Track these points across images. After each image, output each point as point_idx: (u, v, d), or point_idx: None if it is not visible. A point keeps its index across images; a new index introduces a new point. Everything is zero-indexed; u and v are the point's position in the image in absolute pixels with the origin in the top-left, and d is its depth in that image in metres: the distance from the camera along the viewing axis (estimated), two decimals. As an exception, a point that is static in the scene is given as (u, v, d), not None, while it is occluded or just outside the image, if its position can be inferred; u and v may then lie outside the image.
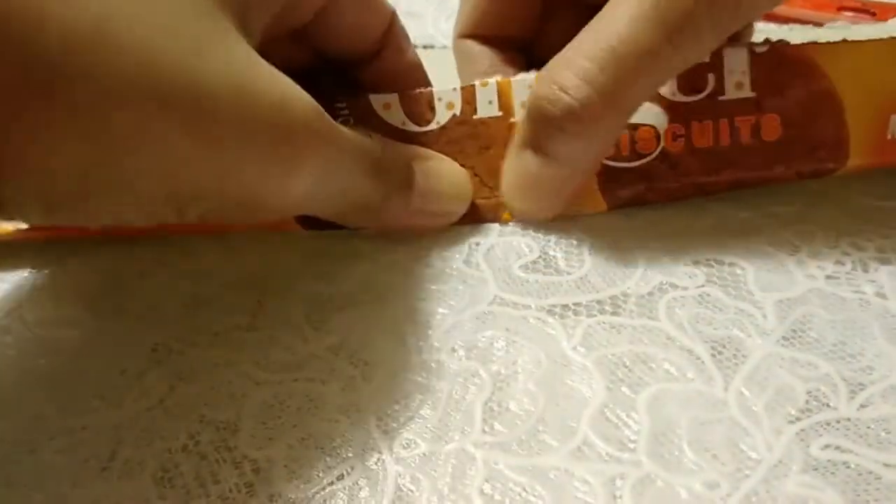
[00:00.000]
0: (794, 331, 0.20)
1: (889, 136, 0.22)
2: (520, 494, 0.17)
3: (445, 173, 0.23)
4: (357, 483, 0.17)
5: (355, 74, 0.24)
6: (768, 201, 0.24)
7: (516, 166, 0.22)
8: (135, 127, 0.15)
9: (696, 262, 0.22)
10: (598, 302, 0.21)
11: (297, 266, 0.23)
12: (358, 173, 0.20)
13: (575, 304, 0.21)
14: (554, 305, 0.21)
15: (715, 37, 0.20)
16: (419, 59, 0.24)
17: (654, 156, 0.23)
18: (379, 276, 0.23)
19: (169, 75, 0.15)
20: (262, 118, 0.16)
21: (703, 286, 0.21)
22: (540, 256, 0.23)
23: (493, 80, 0.23)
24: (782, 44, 0.23)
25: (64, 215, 0.16)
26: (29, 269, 0.24)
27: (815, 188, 0.24)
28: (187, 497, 0.17)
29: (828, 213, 0.24)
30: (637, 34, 0.19)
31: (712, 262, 0.22)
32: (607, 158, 0.23)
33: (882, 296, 0.21)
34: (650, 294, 0.21)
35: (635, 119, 0.22)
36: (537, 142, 0.21)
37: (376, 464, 0.18)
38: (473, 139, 0.23)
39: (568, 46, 0.20)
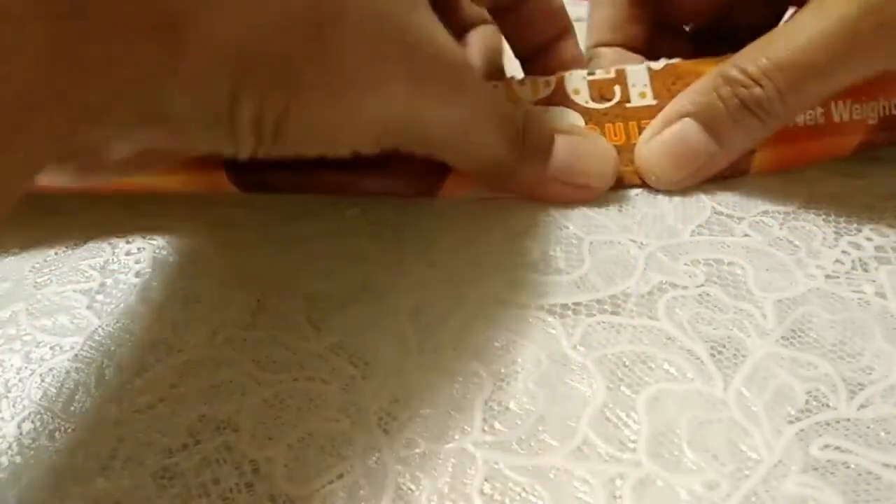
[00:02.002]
0: (793, 331, 0.20)
1: (794, 125, 0.25)
2: (520, 494, 0.17)
3: (590, 149, 0.24)
4: (357, 482, 0.17)
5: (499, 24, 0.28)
6: (767, 201, 0.24)
7: (677, 135, 0.24)
8: (372, 66, 0.18)
9: (695, 262, 0.22)
10: (598, 301, 0.21)
11: (298, 265, 0.23)
12: (492, 129, 0.22)
13: (574, 304, 0.21)
14: (554, 305, 0.21)
15: (883, 60, 0.22)
16: (562, 4, 0.28)
17: None
18: (379, 275, 0.23)
19: (395, 23, 0.19)
20: (443, 63, 0.20)
21: (702, 286, 0.21)
22: (540, 256, 0.23)
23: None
24: (676, 62, 0.26)
25: (286, 144, 0.18)
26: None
27: (814, 188, 0.25)
28: (188, 496, 0.17)
29: (827, 212, 0.24)
30: (815, 51, 0.22)
31: (712, 262, 0.22)
32: None
33: (882, 295, 0.21)
34: (650, 294, 0.21)
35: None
36: (711, 121, 0.23)
37: (376, 463, 0.18)
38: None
39: (756, 43, 0.23)
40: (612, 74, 0.26)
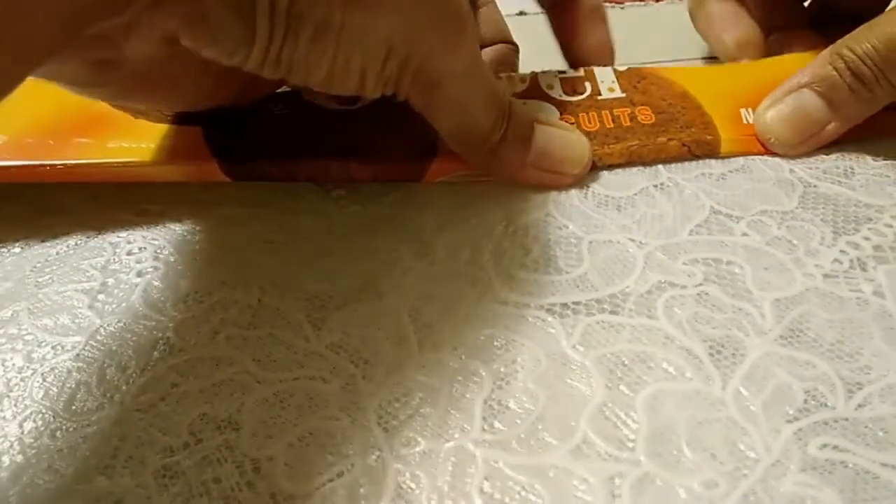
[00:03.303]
0: (791, 330, 0.20)
1: (744, 121, 0.27)
2: (519, 493, 0.17)
3: (565, 139, 0.25)
4: (357, 481, 0.17)
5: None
6: (765, 200, 0.24)
7: (796, 103, 0.26)
8: None
9: (694, 261, 0.22)
10: (597, 301, 0.21)
11: (298, 265, 0.23)
12: (482, 97, 0.23)
13: (574, 303, 0.21)
14: (553, 304, 0.21)
15: None
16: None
17: None
18: (379, 275, 0.23)
19: None
20: (452, 9, 0.21)
21: (701, 285, 0.21)
22: (539, 255, 0.23)
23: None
24: (639, 66, 0.29)
25: (297, 44, 0.19)
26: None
27: (814, 188, 0.25)
28: (189, 495, 0.17)
29: (825, 212, 0.24)
30: None
31: (710, 261, 0.22)
32: None
33: (880, 295, 0.21)
34: (649, 293, 0.21)
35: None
36: (828, 90, 0.25)
37: (376, 461, 0.18)
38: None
39: (863, 27, 0.25)
40: (582, 73, 0.29)
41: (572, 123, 0.27)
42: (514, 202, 0.25)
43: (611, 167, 0.26)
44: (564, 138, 0.25)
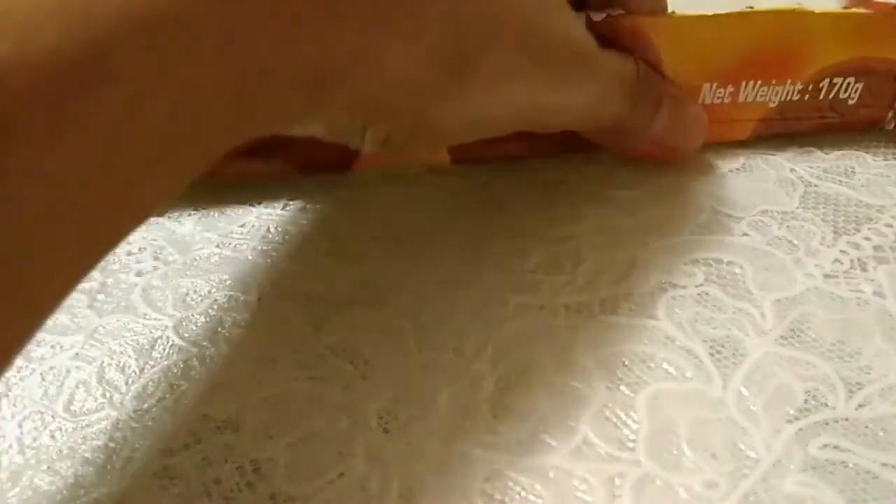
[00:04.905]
0: (792, 330, 0.20)
1: (701, 101, 0.25)
2: (519, 493, 0.17)
3: (687, 114, 0.25)
4: (358, 482, 0.17)
5: None
6: (766, 200, 0.24)
7: None
8: (507, 81, 0.19)
9: (694, 262, 0.22)
10: (598, 300, 0.21)
11: (298, 265, 0.23)
12: (617, 98, 0.23)
13: (575, 304, 0.21)
14: (554, 304, 0.21)
15: None
16: None
17: None
18: (379, 275, 0.23)
19: (535, 33, 0.19)
20: (574, 55, 0.21)
21: (701, 285, 0.21)
22: (540, 255, 0.23)
23: None
24: (618, 15, 0.24)
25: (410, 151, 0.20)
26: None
27: (814, 187, 0.25)
28: (189, 496, 0.17)
29: (825, 211, 0.24)
30: None
31: (711, 261, 0.22)
32: None
33: (880, 295, 0.21)
34: (649, 293, 0.21)
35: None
36: None
37: (377, 462, 0.18)
38: None
39: None
40: None
41: None
42: (513, 201, 0.25)
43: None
44: (686, 114, 0.25)
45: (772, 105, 0.26)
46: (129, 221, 0.15)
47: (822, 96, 0.26)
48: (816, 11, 0.24)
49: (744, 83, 0.25)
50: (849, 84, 0.25)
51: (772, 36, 0.24)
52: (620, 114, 0.23)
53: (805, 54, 0.25)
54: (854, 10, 0.25)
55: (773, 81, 0.25)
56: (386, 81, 0.17)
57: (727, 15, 0.24)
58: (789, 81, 0.25)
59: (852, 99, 0.26)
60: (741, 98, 0.25)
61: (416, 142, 0.19)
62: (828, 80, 0.25)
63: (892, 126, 0.26)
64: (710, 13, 0.24)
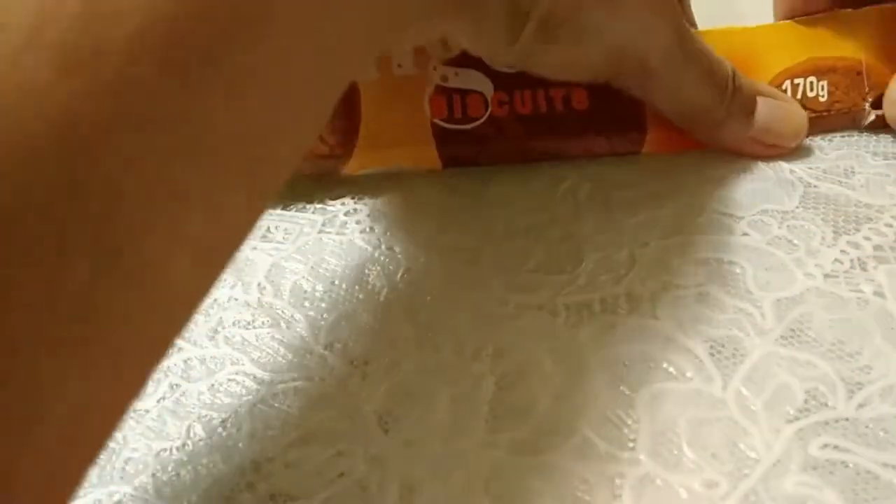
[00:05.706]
0: (792, 330, 0.20)
1: None
2: (520, 493, 0.17)
3: (785, 113, 0.26)
4: (358, 482, 0.17)
5: None
6: (766, 200, 0.24)
7: None
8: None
9: (695, 261, 0.22)
10: (599, 300, 0.21)
11: (298, 264, 0.23)
12: (705, 74, 0.25)
13: (575, 304, 0.21)
14: (554, 304, 0.21)
15: None
16: None
17: (483, 120, 0.26)
18: (378, 275, 0.23)
19: None
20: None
21: (702, 285, 0.21)
22: (540, 255, 0.23)
23: None
24: None
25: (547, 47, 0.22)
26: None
27: (814, 187, 0.25)
28: (189, 496, 0.17)
29: (826, 211, 0.24)
30: None
31: (711, 261, 0.22)
32: (443, 120, 0.26)
33: (880, 295, 0.21)
34: (649, 293, 0.21)
35: (466, 86, 0.26)
36: None
37: (377, 462, 0.18)
38: None
39: None
40: None
41: (506, 103, 0.26)
42: (512, 200, 0.25)
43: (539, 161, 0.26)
44: (785, 112, 0.26)
45: None
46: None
47: (789, 97, 0.27)
48: (754, 27, 0.27)
49: None
50: (811, 83, 0.27)
51: (721, 52, 0.26)
52: (707, 103, 0.25)
53: (755, 64, 0.27)
54: (793, 20, 0.27)
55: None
56: None
57: None
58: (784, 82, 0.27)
59: (822, 96, 0.27)
60: None
61: (562, 37, 0.22)
62: (788, 81, 0.27)
63: (872, 118, 0.27)
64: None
